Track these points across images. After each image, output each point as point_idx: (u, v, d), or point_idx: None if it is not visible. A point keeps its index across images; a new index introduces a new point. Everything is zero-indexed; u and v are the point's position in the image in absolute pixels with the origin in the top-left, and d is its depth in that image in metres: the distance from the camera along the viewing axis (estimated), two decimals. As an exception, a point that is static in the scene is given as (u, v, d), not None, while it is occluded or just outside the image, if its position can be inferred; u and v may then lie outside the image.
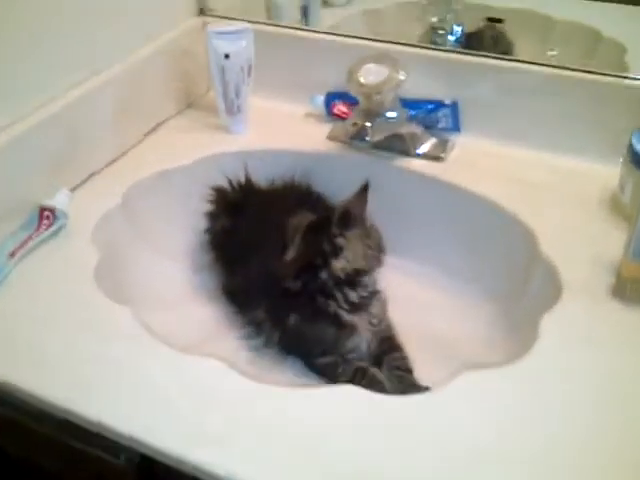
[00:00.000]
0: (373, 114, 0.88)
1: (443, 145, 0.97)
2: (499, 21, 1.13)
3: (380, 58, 0.87)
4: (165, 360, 0.66)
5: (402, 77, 0.86)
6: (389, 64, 0.86)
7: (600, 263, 0.76)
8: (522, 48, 1.08)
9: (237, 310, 0.87)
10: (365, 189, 0.78)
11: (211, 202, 0.93)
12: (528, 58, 0.96)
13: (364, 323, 0.77)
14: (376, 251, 0.79)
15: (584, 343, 0.67)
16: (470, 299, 0.88)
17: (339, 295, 0.76)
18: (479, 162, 0.94)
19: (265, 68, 1.04)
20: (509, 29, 1.09)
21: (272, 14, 1.13)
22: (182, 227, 0.94)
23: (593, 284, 0.74)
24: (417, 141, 0.95)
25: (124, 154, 0.97)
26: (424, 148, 0.95)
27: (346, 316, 0.76)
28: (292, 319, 0.77)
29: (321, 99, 1.03)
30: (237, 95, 0.98)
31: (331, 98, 1.02)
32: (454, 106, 0.97)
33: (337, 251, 0.75)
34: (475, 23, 1.11)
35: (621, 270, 0.71)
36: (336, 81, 1.02)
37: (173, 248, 0.94)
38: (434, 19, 1.08)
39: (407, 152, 0.95)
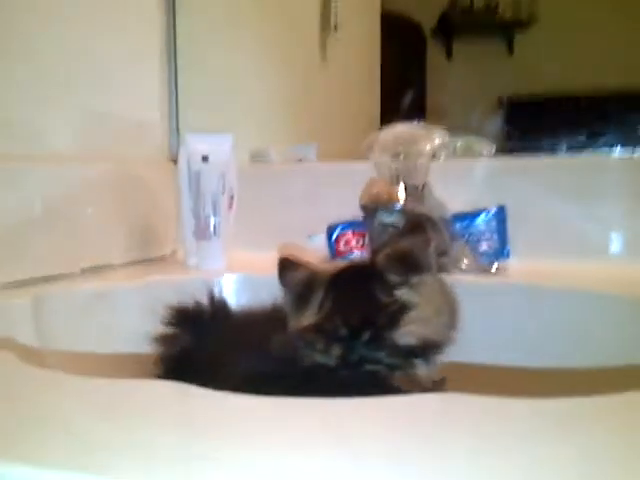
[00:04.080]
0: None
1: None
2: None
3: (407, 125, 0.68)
4: None
5: (440, 140, 0.66)
6: (420, 128, 0.67)
7: None
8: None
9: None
10: (420, 226, 0.50)
11: (169, 323, 0.62)
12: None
13: None
14: (450, 319, 0.49)
15: None
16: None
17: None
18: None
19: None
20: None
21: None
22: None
23: None
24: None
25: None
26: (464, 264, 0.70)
27: None
28: None
29: (321, 237, 0.80)
30: (214, 212, 0.73)
31: (335, 230, 0.79)
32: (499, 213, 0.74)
33: (403, 310, 0.45)
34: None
35: None
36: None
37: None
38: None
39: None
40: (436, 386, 0.46)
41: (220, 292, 0.66)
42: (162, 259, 0.86)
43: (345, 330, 0.45)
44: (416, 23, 1.31)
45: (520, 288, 0.62)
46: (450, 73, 1.28)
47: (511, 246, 0.75)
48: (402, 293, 0.46)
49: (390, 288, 0.46)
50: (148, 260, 0.84)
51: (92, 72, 0.79)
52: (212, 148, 0.74)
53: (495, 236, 0.74)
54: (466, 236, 0.74)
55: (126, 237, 0.81)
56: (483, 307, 0.62)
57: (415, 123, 0.68)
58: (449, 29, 1.29)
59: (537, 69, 1.17)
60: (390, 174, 0.66)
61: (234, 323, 0.62)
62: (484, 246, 0.74)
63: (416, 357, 0.46)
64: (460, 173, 0.78)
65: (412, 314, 0.45)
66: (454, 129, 0.87)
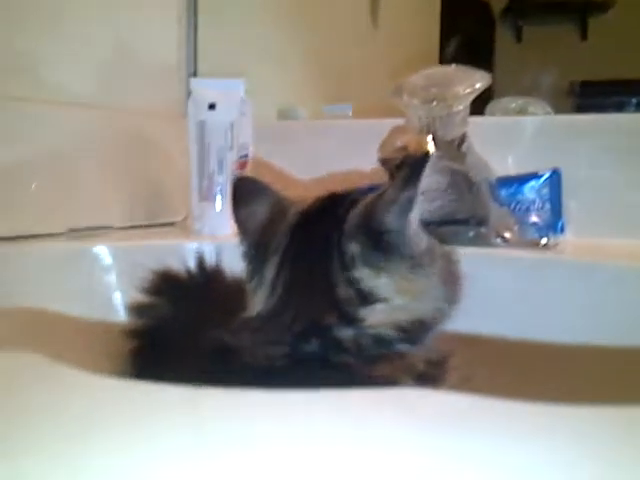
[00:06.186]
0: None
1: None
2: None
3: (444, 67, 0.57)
4: None
5: (482, 83, 0.54)
6: (458, 70, 0.56)
7: None
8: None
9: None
10: (418, 163, 0.38)
11: (149, 291, 0.53)
12: None
13: None
14: (448, 291, 0.37)
15: None
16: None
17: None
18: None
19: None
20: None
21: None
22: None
23: None
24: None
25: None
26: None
27: None
28: None
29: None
30: (220, 169, 0.64)
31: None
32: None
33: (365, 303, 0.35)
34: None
35: None
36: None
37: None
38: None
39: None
40: (433, 368, 0.35)
41: (217, 260, 0.57)
42: (172, 225, 0.77)
43: (289, 337, 0.34)
44: (485, 2, 1.21)
45: (569, 265, 0.50)
46: (519, 57, 1.17)
47: (567, 219, 0.62)
48: (366, 278, 0.35)
49: (350, 268, 0.35)
50: (155, 225, 0.75)
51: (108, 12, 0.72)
52: (220, 94, 0.65)
53: (547, 206, 0.62)
54: (513, 205, 0.62)
55: (131, 199, 0.73)
56: (524, 284, 0.51)
57: (452, 66, 0.57)
58: (520, 10, 1.18)
59: (612, 55, 1.05)
60: (420, 123, 0.55)
61: (221, 294, 0.52)
62: (533, 217, 0.62)
63: (398, 342, 0.35)
64: (509, 132, 0.66)
65: (380, 306, 0.34)
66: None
